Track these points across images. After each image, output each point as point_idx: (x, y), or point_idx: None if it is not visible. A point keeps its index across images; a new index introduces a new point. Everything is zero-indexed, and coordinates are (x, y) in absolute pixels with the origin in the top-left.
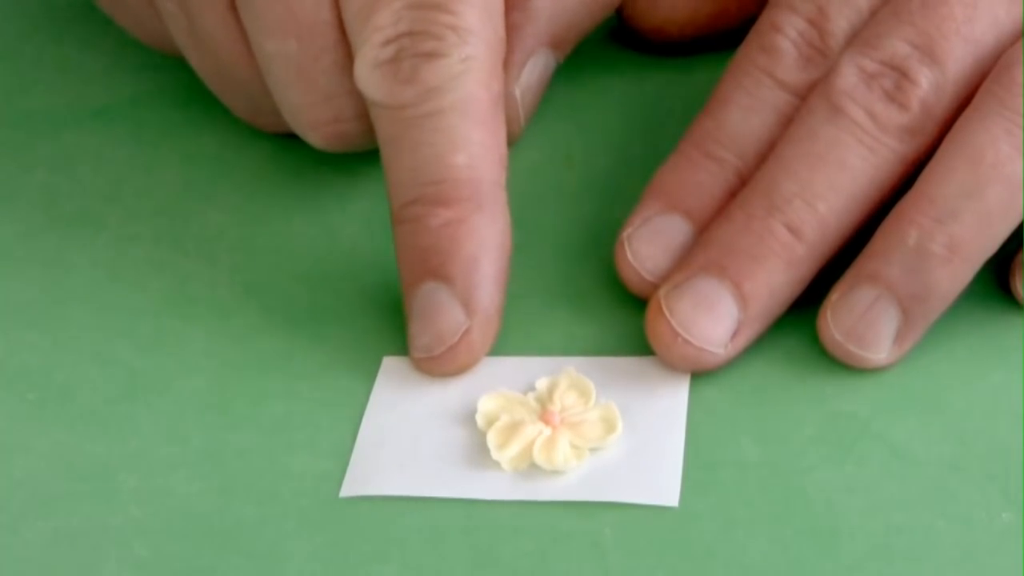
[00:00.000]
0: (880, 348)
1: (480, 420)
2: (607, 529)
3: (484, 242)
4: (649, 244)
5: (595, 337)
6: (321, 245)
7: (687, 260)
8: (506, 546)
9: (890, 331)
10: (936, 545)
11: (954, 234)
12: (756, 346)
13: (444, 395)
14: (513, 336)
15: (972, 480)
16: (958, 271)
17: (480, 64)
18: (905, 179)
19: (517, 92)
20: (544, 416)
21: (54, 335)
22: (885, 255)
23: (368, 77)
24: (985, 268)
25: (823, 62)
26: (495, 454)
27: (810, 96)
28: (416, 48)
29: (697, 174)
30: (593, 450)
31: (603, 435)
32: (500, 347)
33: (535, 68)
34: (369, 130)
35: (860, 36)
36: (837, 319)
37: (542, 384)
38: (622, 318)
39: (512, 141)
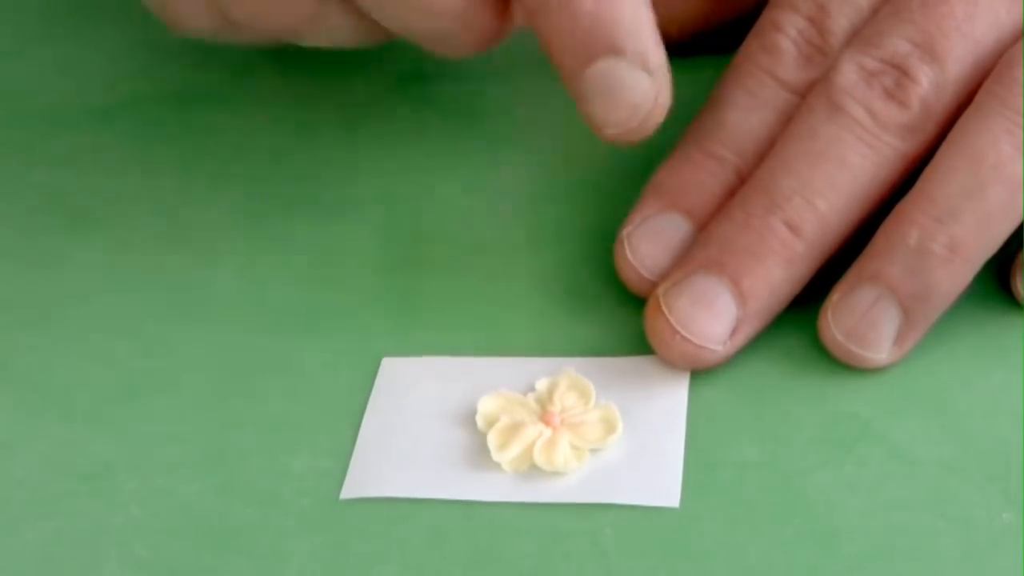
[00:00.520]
0: (881, 348)
1: (480, 421)
2: (607, 529)
3: (635, 6)
4: (649, 243)
5: (595, 337)
6: (321, 245)
7: (686, 258)
8: (506, 547)
9: (891, 331)
10: (936, 545)
11: (955, 234)
12: (756, 346)
13: (444, 396)
14: (513, 336)
15: (972, 480)
16: (959, 271)
17: None
18: (905, 177)
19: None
20: (544, 417)
21: (54, 335)
22: (886, 255)
23: None
24: (985, 268)
25: (824, 61)
26: (495, 455)
27: (810, 94)
28: None
29: (697, 173)
30: (593, 451)
31: (603, 436)
32: (500, 347)
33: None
34: None
35: (860, 35)
36: (838, 319)
37: (542, 385)
38: (622, 318)
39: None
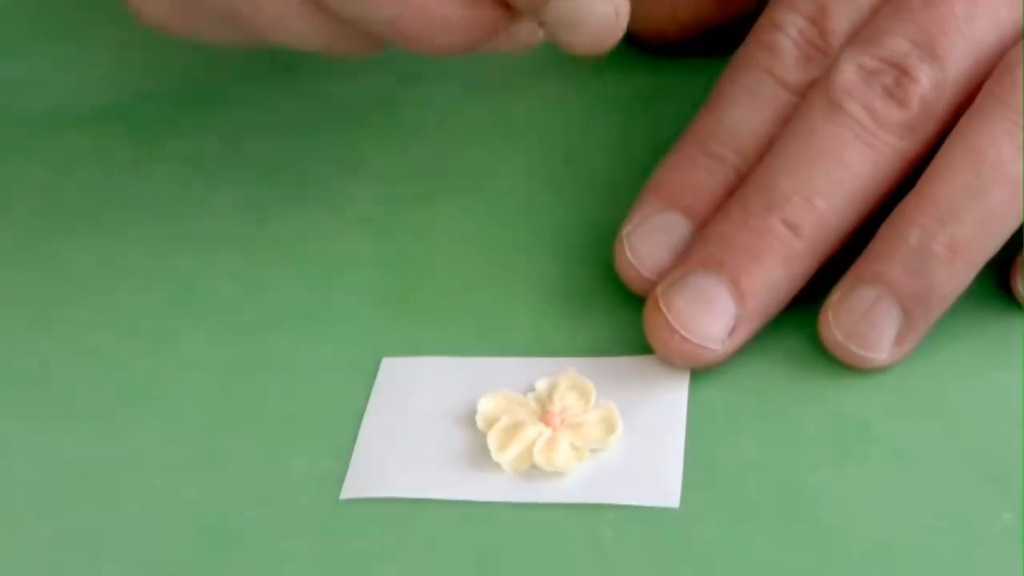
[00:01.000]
0: (881, 349)
1: (480, 421)
2: (607, 529)
3: None
4: (648, 242)
5: (595, 337)
6: (321, 245)
7: (685, 257)
8: (507, 547)
9: (891, 332)
10: (936, 545)
11: (956, 235)
12: (756, 346)
13: (444, 396)
14: (513, 336)
15: (972, 481)
16: (959, 272)
17: None
18: (905, 177)
19: None
20: (544, 417)
21: (54, 335)
22: (887, 255)
23: None
24: (985, 268)
25: (824, 61)
26: (496, 455)
27: (810, 93)
28: None
29: (696, 172)
30: (593, 451)
31: (603, 436)
32: (500, 347)
33: None
34: None
35: (860, 34)
36: (838, 319)
37: (542, 385)
38: (622, 318)
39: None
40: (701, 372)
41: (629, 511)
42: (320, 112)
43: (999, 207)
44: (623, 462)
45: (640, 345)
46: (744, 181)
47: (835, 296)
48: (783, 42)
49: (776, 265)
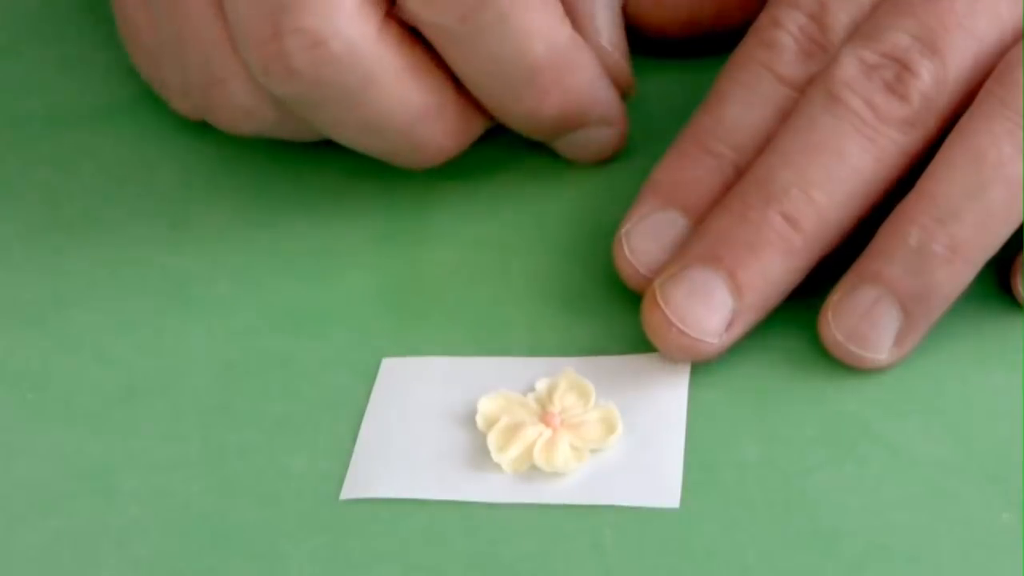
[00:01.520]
0: (881, 348)
1: (480, 421)
2: (607, 530)
3: (591, 77)
4: (646, 240)
5: (594, 337)
6: (321, 245)
7: (683, 251)
8: (506, 547)
9: (891, 331)
10: (936, 545)
11: (955, 234)
12: (756, 346)
13: (444, 396)
14: (513, 336)
15: (972, 480)
16: (959, 271)
17: None
18: (905, 173)
19: (605, 43)
20: (544, 418)
21: (54, 335)
22: (886, 255)
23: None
24: (985, 268)
25: (823, 57)
26: (496, 456)
27: (809, 87)
28: None
29: (695, 169)
30: (593, 451)
31: (603, 436)
32: (500, 347)
33: (605, 12)
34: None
35: (861, 29)
36: (838, 319)
37: (541, 385)
38: (621, 318)
39: (627, 89)
40: (701, 372)
41: (629, 511)
42: None
43: (999, 207)
44: (623, 462)
45: (640, 345)
46: (742, 176)
47: (835, 296)
48: (782, 38)
49: (774, 258)
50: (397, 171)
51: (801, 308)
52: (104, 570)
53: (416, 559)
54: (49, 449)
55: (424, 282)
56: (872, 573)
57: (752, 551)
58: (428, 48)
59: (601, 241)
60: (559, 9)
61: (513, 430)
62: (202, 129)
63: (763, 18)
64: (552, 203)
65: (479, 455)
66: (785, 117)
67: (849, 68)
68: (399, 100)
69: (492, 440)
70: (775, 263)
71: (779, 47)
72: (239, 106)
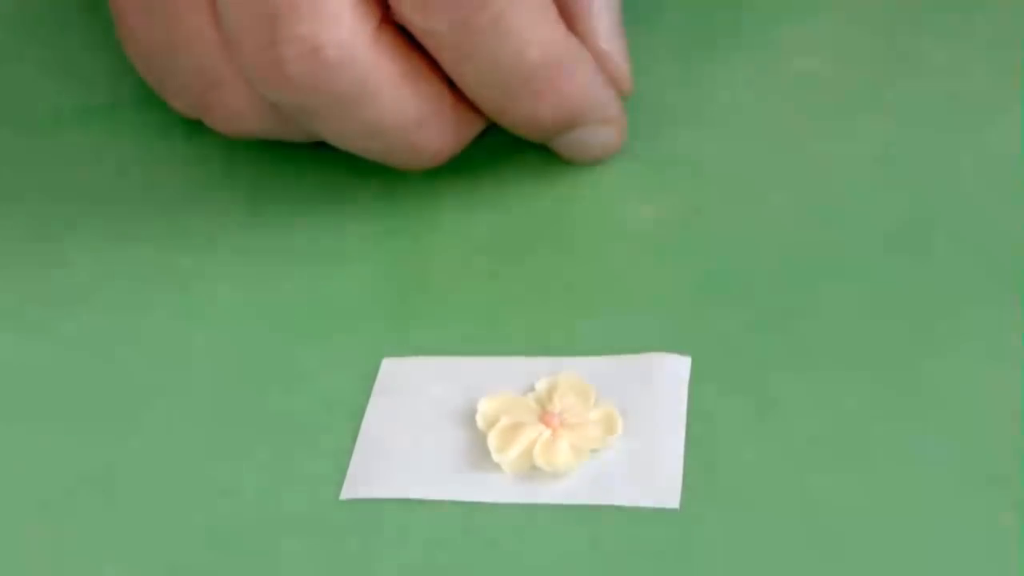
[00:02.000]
0: None
1: (480, 421)
2: (607, 529)
3: (588, 79)
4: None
5: (595, 337)
6: (322, 245)
7: None
8: (506, 547)
9: None
10: (936, 546)
11: None
12: (755, 345)
13: (444, 396)
14: (513, 336)
15: (972, 481)
16: None
17: None
18: None
19: (603, 45)
20: (544, 418)
21: (54, 335)
22: None
23: (412, 8)
24: (984, 268)
25: None
26: (496, 456)
27: None
28: None
29: None
30: (593, 452)
31: (603, 437)
32: (500, 347)
33: (604, 14)
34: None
35: None
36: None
37: (542, 385)
38: (622, 318)
39: (626, 92)
40: (701, 372)
41: (629, 511)
42: None
43: None
44: (623, 463)
45: (640, 345)
46: None
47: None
48: None
49: None
50: (397, 171)
51: (800, 308)
52: (104, 570)
53: (416, 559)
54: (49, 449)
55: (424, 282)
56: (872, 573)
57: (752, 551)
58: (424, 53)
59: (601, 241)
60: (554, 12)
61: (513, 430)
62: (202, 129)
63: None
64: (553, 203)
65: (479, 455)
66: None
67: None
68: (396, 105)
69: (492, 440)
70: None
71: None
72: (235, 110)
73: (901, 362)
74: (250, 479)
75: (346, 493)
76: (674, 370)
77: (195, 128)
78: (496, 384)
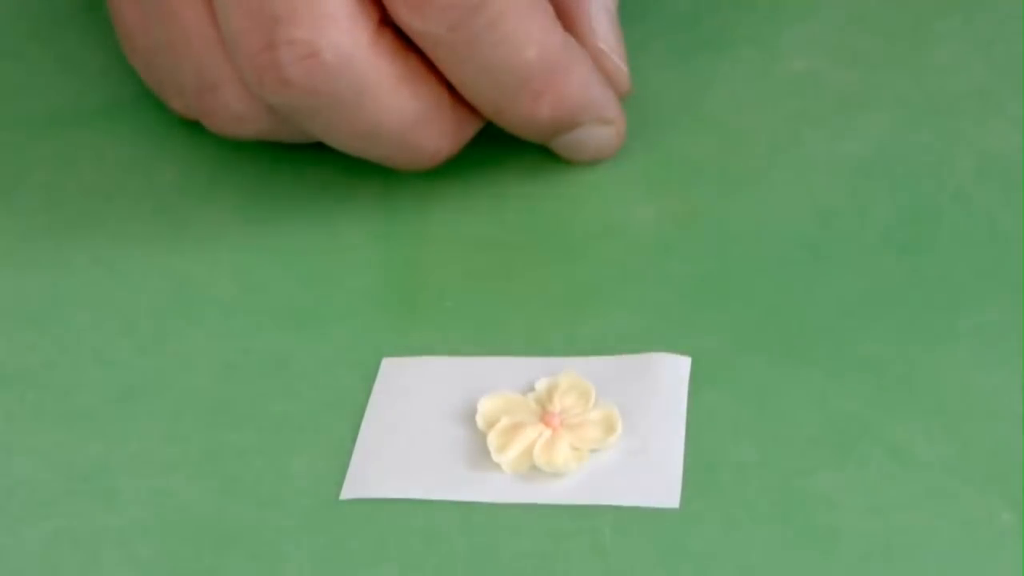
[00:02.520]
0: None
1: (480, 421)
2: (607, 529)
3: (585, 78)
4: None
5: (595, 337)
6: (321, 245)
7: None
8: (506, 547)
9: None
10: (936, 546)
11: None
12: (755, 345)
13: (444, 396)
14: (513, 336)
15: (972, 481)
16: None
17: None
18: None
19: (602, 45)
20: (544, 418)
21: (54, 335)
22: None
23: (409, 12)
24: (984, 268)
25: None
26: (496, 456)
27: None
28: None
29: None
30: (593, 452)
31: (603, 437)
32: (500, 347)
33: (602, 14)
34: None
35: None
36: None
37: (542, 385)
38: (622, 318)
39: (625, 92)
40: (701, 372)
41: (629, 511)
42: None
43: None
44: (623, 462)
45: (640, 345)
46: None
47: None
48: None
49: None
50: (396, 171)
51: (798, 307)
52: (104, 570)
53: (416, 559)
54: (49, 449)
55: (424, 282)
56: (872, 573)
57: (752, 551)
58: (421, 54)
59: (601, 241)
60: (550, 13)
61: (513, 430)
62: (201, 129)
63: None
64: (552, 203)
65: (479, 455)
66: None
67: None
68: (394, 108)
69: (492, 440)
70: None
71: None
72: (232, 112)
73: (900, 362)
74: (250, 479)
75: (346, 493)
76: (674, 370)
77: (194, 128)
78: (496, 384)
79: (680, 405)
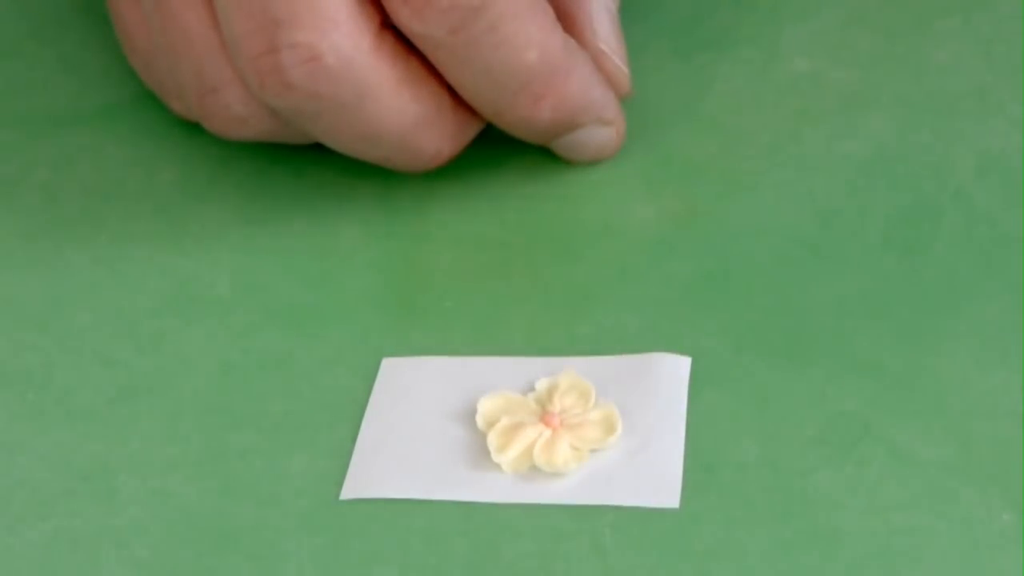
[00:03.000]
0: None
1: (480, 421)
2: (607, 529)
3: (584, 80)
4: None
5: (595, 337)
6: (321, 245)
7: None
8: (506, 547)
9: None
10: (936, 546)
11: None
12: (756, 345)
13: (444, 396)
14: (513, 336)
15: (972, 481)
16: None
17: None
18: None
19: (602, 46)
20: (544, 418)
21: (54, 335)
22: None
23: (410, 15)
24: (984, 268)
25: None
26: (495, 456)
27: None
28: None
29: None
30: (593, 452)
31: (603, 437)
32: (500, 347)
33: (603, 15)
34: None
35: None
36: None
37: (542, 385)
38: (622, 318)
39: (625, 93)
40: (701, 372)
41: (629, 511)
42: None
43: None
44: (623, 462)
45: (640, 345)
46: None
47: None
48: None
49: None
50: (396, 171)
51: (798, 308)
52: (104, 570)
53: (416, 559)
54: (49, 449)
55: (424, 282)
56: (872, 573)
57: (752, 551)
58: (422, 57)
59: (601, 241)
60: (551, 15)
61: (513, 430)
62: (201, 129)
63: None
64: (552, 203)
65: (479, 455)
66: None
67: None
68: (395, 110)
69: (492, 440)
70: None
71: None
72: (233, 114)
73: (900, 362)
74: (250, 479)
75: (346, 493)
76: (674, 370)
77: (194, 128)
78: (496, 384)
79: (680, 405)
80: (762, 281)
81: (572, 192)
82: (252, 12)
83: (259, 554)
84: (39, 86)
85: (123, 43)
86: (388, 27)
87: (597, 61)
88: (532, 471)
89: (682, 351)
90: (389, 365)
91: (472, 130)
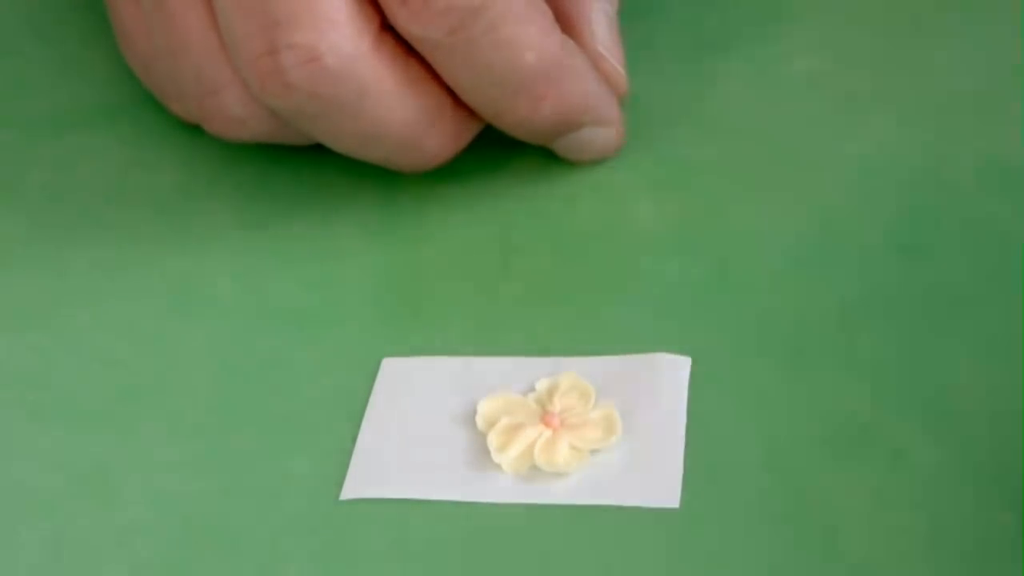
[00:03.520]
0: None
1: (480, 422)
2: (607, 530)
3: (585, 81)
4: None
5: (595, 337)
6: (321, 245)
7: None
8: (506, 547)
9: None
10: (936, 546)
11: None
12: (756, 345)
13: (444, 397)
14: (513, 336)
15: (972, 481)
16: None
17: None
18: None
19: (600, 48)
20: (544, 418)
21: (54, 335)
22: None
23: (408, 17)
24: (984, 268)
25: None
26: (496, 456)
27: None
28: None
29: None
30: (594, 452)
31: (603, 437)
32: (500, 347)
33: (601, 17)
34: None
35: None
36: None
37: (542, 385)
38: (622, 318)
39: (622, 95)
40: (701, 372)
41: (629, 511)
42: None
43: None
44: (623, 463)
45: (640, 345)
46: None
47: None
48: None
49: None
50: (396, 172)
51: (799, 308)
52: (104, 570)
53: (416, 559)
54: (49, 449)
55: (424, 282)
56: (871, 573)
57: (752, 551)
58: (421, 59)
59: (601, 241)
60: (549, 16)
61: (513, 430)
62: (201, 129)
63: None
64: (552, 203)
65: (479, 455)
66: None
67: None
68: (395, 111)
69: (492, 440)
70: None
71: None
72: (233, 115)
73: (900, 362)
74: (250, 479)
75: (346, 493)
76: (674, 370)
77: (195, 129)
78: (496, 384)
79: (680, 405)
80: (762, 281)
81: (572, 192)
82: (252, 13)
83: (259, 554)
84: (39, 86)
85: (122, 45)
86: (387, 28)
87: (595, 62)
88: (532, 471)
89: (682, 351)
90: (389, 365)
91: (472, 130)
